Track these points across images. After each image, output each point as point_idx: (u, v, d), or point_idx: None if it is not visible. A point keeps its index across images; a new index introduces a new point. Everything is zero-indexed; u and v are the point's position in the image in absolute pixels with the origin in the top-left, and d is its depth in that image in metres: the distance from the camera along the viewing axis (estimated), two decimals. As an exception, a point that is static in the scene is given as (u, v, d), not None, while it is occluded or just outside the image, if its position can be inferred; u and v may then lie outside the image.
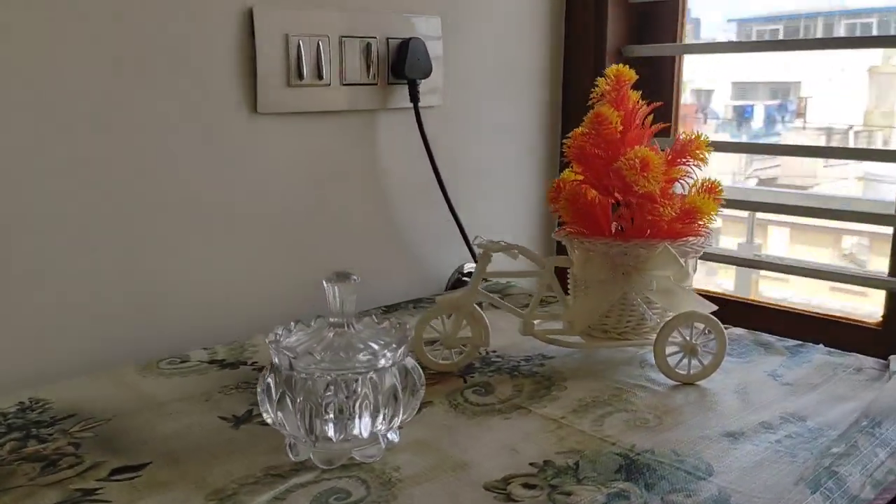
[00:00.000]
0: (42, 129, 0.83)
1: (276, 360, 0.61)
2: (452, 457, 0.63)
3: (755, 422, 0.70)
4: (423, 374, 0.65)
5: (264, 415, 0.62)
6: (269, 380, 0.61)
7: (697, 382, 0.79)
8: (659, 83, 1.23)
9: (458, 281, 1.27)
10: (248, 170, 0.99)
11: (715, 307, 0.79)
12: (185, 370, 0.83)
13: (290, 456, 0.63)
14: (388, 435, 0.65)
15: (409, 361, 0.64)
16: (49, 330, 0.86)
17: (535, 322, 0.84)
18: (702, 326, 0.79)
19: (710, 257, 1.28)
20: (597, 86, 0.79)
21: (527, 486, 0.59)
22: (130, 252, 0.91)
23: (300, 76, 1.00)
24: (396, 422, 0.62)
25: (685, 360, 0.79)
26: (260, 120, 0.99)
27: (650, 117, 0.79)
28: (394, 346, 0.62)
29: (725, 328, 0.94)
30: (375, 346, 0.62)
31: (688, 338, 0.78)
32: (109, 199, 0.88)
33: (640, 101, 0.78)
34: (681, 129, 0.78)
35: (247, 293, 1.01)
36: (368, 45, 1.06)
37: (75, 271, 0.87)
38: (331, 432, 0.60)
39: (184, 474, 0.60)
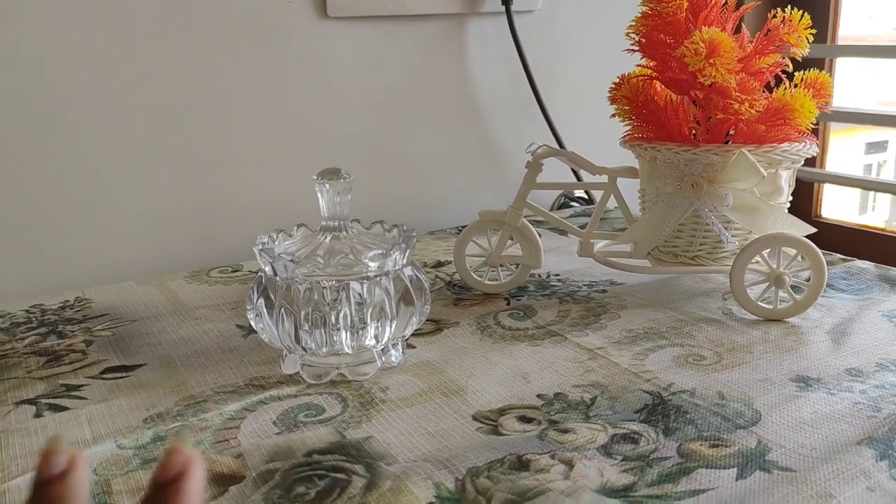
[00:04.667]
0: (103, 38, 0.82)
1: (262, 265, 0.56)
2: (453, 381, 0.56)
3: (841, 367, 0.57)
4: (427, 289, 0.58)
5: (252, 324, 0.57)
6: (254, 286, 0.56)
7: (785, 319, 0.66)
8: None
9: (563, 205, 1.17)
10: (316, 78, 0.95)
11: (812, 230, 0.65)
12: (230, 279, 0.81)
13: (282, 368, 0.58)
14: (392, 353, 0.59)
15: (408, 272, 0.57)
16: (111, 237, 0.87)
17: (598, 242, 0.73)
18: (793, 252, 0.65)
19: (832, 179, 1.09)
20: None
21: (523, 419, 0.51)
22: (192, 162, 0.90)
23: (374, -25, 0.93)
24: (386, 338, 0.56)
25: (772, 292, 0.66)
26: (330, 24, 0.94)
27: (735, -6, 0.64)
28: (386, 253, 0.55)
29: (845, 260, 0.79)
30: (367, 253, 0.55)
31: (774, 265, 0.65)
32: (171, 108, 0.87)
33: (724, -25, 0.64)
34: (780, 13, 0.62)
35: (311, 206, 0.98)
36: (447, -62, 0.96)
37: (138, 182, 0.87)
38: (312, 344, 0.55)
39: (169, 378, 0.58)
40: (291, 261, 0.54)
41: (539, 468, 0.45)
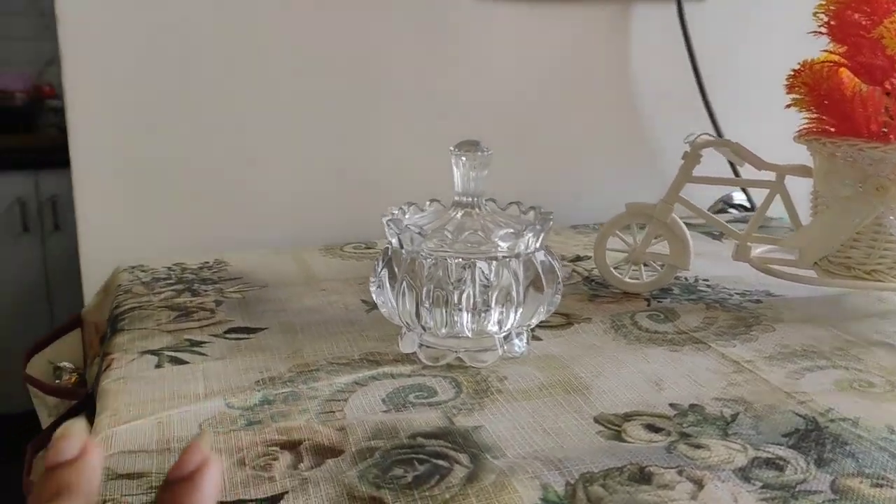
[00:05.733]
0: (261, 17, 0.84)
1: (388, 237, 0.54)
2: (577, 379, 0.52)
3: None
4: (559, 276, 0.53)
5: (374, 296, 0.55)
6: (379, 258, 0.54)
7: (979, 353, 0.56)
8: None
9: (720, 211, 1.09)
10: (474, 60, 0.92)
11: None
12: (362, 255, 0.80)
13: (400, 347, 0.56)
14: (515, 342, 0.55)
15: (541, 256, 0.53)
16: (256, 209, 0.88)
17: (756, 248, 0.66)
18: None
19: None
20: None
21: (651, 427, 0.46)
22: (340, 140, 0.90)
23: (536, -44, 0.90)
24: (509, 325, 0.52)
25: (964, 320, 0.57)
26: (490, 5, 0.91)
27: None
28: (518, 233, 0.51)
29: None
30: (497, 231, 0.51)
31: (970, 288, 0.56)
32: (322, 86, 0.88)
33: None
34: None
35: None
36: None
37: (286, 157, 0.88)
38: (431, 322, 0.52)
39: (287, 344, 0.57)
40: (419, 233, 0.51)
41: (662, 483, 0.39)
